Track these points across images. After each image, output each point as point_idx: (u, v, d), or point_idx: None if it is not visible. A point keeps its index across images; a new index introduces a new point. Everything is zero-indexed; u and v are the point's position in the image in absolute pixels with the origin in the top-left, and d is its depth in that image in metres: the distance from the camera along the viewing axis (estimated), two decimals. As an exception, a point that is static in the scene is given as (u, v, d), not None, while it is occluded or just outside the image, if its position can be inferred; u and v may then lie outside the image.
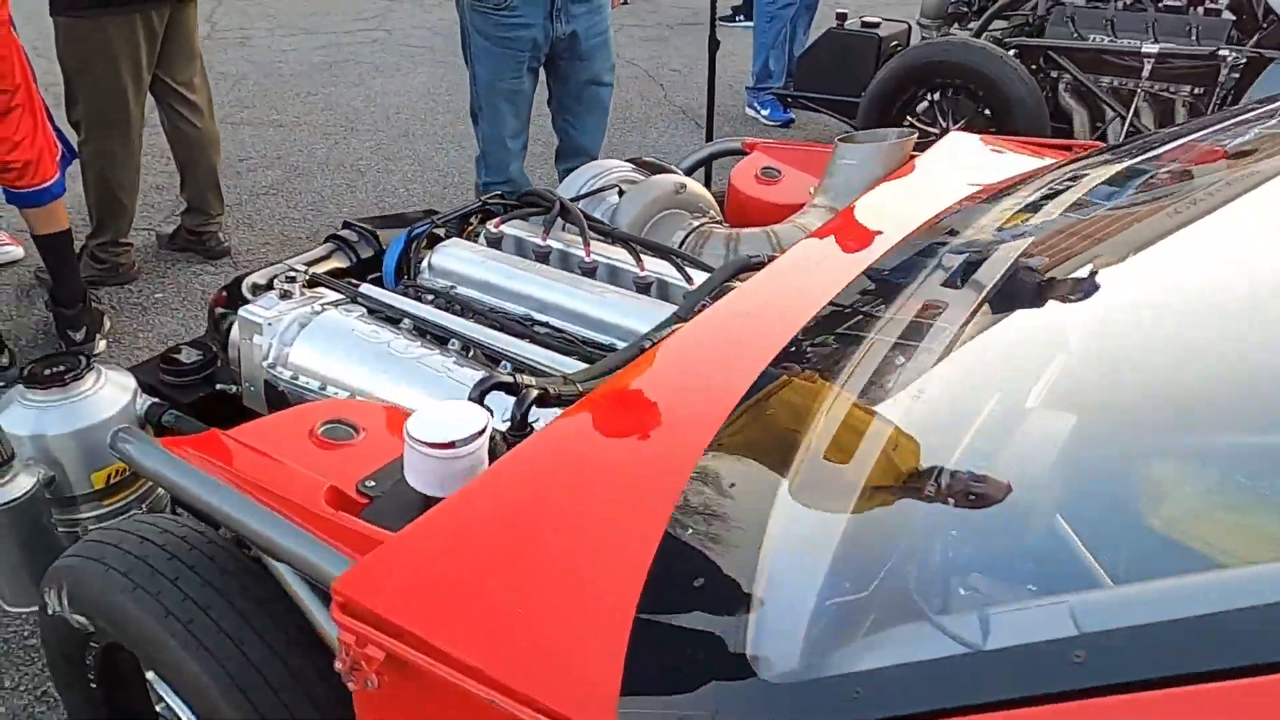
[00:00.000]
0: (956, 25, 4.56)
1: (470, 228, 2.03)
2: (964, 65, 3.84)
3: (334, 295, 1.78)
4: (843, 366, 1.17)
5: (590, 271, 1.81)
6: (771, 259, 1.62)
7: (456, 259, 1.87)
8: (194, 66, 3.50)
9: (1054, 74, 4.06)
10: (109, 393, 1.68)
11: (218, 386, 1.76)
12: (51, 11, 3.12)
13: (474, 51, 2.92)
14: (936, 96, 4.14)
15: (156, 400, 1.73)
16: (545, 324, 1.70)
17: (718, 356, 1.26)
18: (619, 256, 1.83)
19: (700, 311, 1.50)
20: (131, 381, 1.74)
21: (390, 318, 1.71)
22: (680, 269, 1.72)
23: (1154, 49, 3.64)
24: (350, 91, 5.74)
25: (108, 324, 3.22)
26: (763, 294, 1.44)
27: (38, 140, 2.83)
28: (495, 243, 1.94)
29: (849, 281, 1.42)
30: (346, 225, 2.23)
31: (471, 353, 1.64)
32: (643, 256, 1.78)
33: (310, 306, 1.72)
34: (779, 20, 5.34)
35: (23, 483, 1.56)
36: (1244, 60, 3.45)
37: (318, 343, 1.65)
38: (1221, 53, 3.49)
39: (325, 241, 2.21)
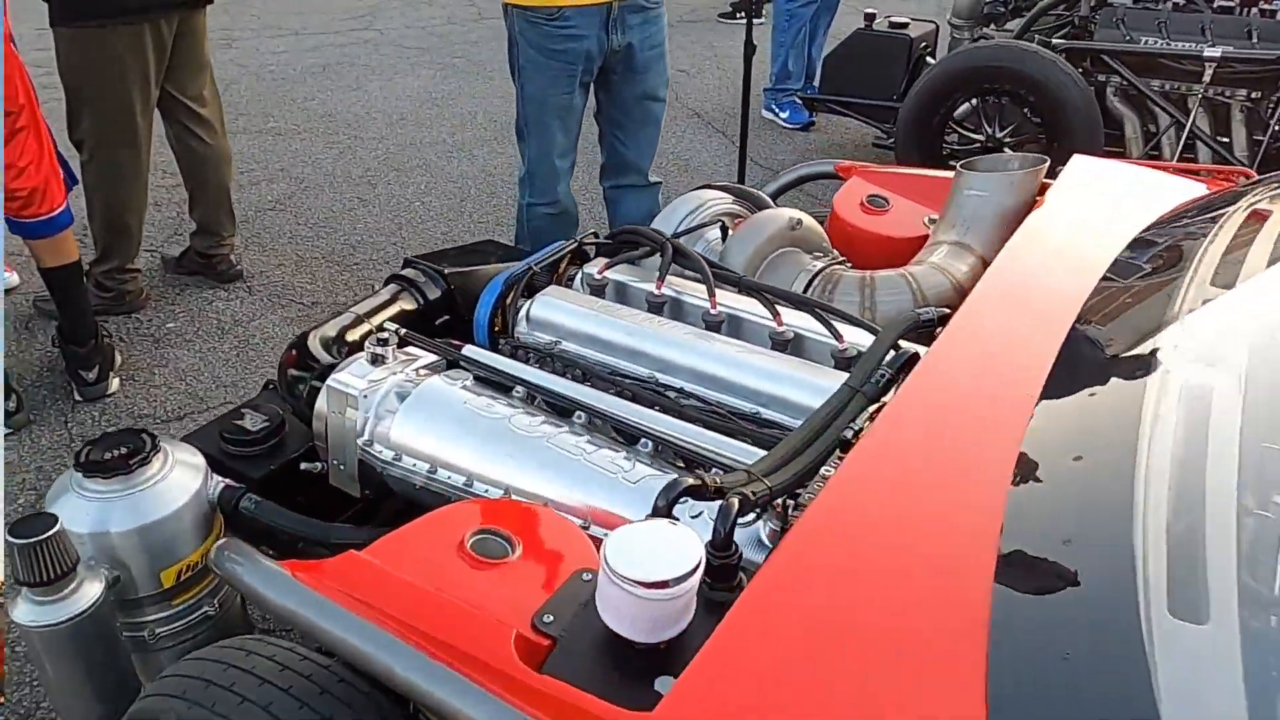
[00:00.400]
0: (992, 25, 4.39)
1: (561, 271, 1.83)
2: (1015, 70, 3.67)
3: (429, 356, 1.57)
4: (1110, 466, 0.98)
5: (715, 325, 1.61)
6: (944, 316, 1.43)
7: (560, 310, 1.66)
8: (203, 79, 3.25)
9: (1100, 77, 3.90)
10: (178, 477, 1.46)
11: (303, 467, 1.54)
12: (52, 22, 2.86)
13: (522, 64, 2.70)
14: (976, 102, 3.97)
15: (230, 482, 1.51)
16: (678, 389, 1.50)
17: (951, 452, 1.07)
18: (745, 306, 1.63)
19: (880, 382, 1.31)
20: (200, 460, 1.52)
21: (500, 384, 1.50)
22: (827, 324, 1.53)
23: (1216, 52, 3.49)
24: (348, 96, 5.47)
25: (119, 359, 2.97)
26: (964, 365, 1.25)
27: (44, 165, 2.57)
28: (598, 290, 1.74)
29: (1061, 347, 1.23)
30: (409, 264, 2.02)
31: (589, 420, 1.43)
32: (779, 308, 1.58)
33: (406, 373, 1.51)
34: (798, 19, 5.14)
35: (89, 591, 1.34)
36: (1318, 65, 3.31)
37: (423, 418, 1.44)
38: (1293, 57, 3.36)
39: (387, 283, 2.00)
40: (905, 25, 4.56)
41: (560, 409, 1.46)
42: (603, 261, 1.77)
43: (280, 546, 1.58)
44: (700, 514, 1.25)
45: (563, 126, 2.78)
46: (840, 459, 1.18)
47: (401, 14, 7.26)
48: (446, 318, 1.93)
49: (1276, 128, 3.57)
